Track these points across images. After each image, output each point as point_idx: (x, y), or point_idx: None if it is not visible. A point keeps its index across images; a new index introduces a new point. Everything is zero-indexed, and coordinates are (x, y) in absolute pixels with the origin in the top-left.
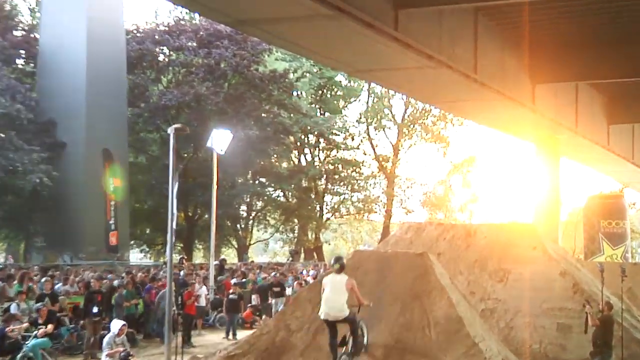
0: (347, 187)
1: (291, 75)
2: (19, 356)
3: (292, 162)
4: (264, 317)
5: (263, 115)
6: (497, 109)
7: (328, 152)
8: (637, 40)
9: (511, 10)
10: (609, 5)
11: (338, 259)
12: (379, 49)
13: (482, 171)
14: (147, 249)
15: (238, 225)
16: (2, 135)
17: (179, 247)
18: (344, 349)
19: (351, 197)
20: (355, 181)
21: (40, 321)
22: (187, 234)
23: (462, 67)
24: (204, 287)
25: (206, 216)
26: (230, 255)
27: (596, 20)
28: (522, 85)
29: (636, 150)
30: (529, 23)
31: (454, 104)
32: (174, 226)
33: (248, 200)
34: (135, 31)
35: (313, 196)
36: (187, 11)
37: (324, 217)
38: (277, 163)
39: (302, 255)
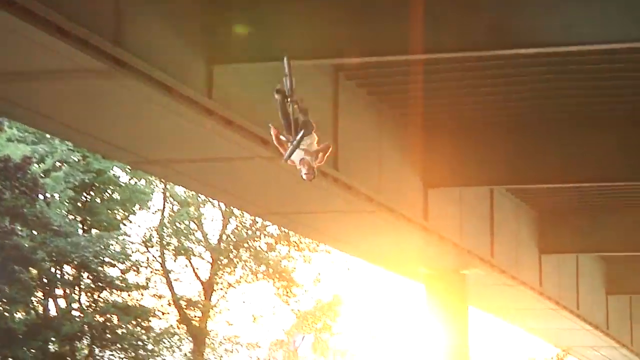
0: (126, 353)
1: (35, 167)
2: None
3: (32, 311)
4: None
5: None
6: (369, 226)
7: (96, 295)
8: (568, 136)
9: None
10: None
11: None
12: None
13: (348, 326)
14: None
15: None
16: None
17: None
18: None
19: None
20: (140, 342)
21: None
22: None
23: None
24: None
25: None
26: None
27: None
28: (410, 189)
29: (582, 295)
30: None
31: (298, 216)
32: None
33: None
34: None
35: None
36: None
37: None
38: (6, 314)
39: None
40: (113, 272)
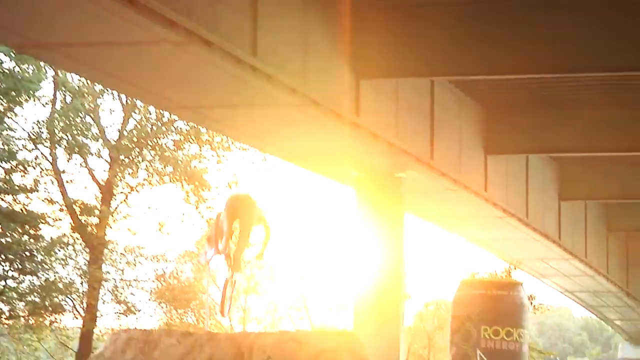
0: (12, 265)
1: None
2: None
3: None
4: None
5: None
6: (293, 122)
7: None
8: (519, 21)
9: None
10: None
11: None
12: None
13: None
14: None
15: None
16: None
17: None
18: None
19: (19, 281)
20: (27, 253)
21: None
22: None
23: (229, 39)
24: None
25: None
26: None
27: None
28: (340, 80)
29: (532, 201)
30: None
31: (210, 110)
32: None
33: None
34: None
35: None
36: None
37: None
38: None
39: None
40: None
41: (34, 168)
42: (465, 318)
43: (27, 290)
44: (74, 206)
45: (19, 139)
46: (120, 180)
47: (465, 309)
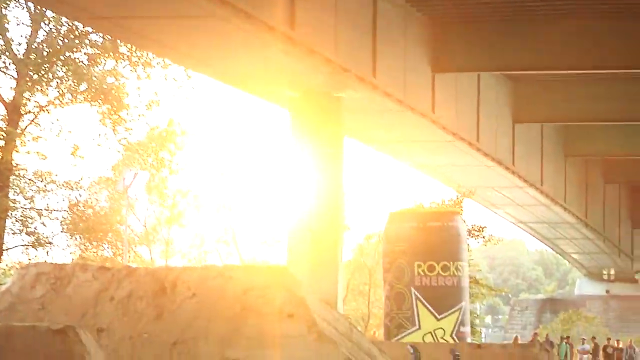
0: None
1: None
2: None
3: None
4: None
5: None
6: (223, 36)
7: None
8: None
9: None
10: None
11: None
12: None
13: (192, 162)
14: None
15: None
16: None
17: None
18: None
19: None
20: None
21: None
22: None
23: None
24: None
25: None
26: None
27: None
28: None
29: (484, 124)
30: None
31: (129, 21)
32: None
33: None
34: None
35: None
36: None
37: None
38: None
39: None
40: None
41: None
42: (397, 254)
43: None
44: None
45: None
46: (29, 98)
47: (396, 244)
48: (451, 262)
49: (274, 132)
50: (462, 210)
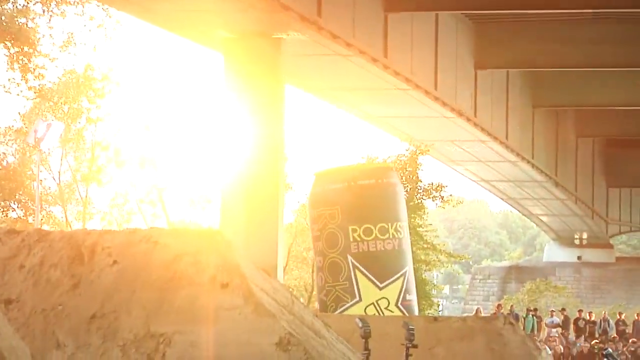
0: None
1: None
2: None
3: None
4: None
5: None
6: None
7: None
8: None
9: None
10: None
11: None
12: None
13: (114, 112)
14: None
15: None
16: None
17: None
18: None
19: None
20: None
21: None
22: None
23: None
24: None
25: None
26: None
27: None
28: None
29: (443, 70)
30: None
31: None
32: None
33: None
34: None
35: None
36: None
37: None
38: None
39: None
40: None
41: None
42: (327, 219)
43: None
44: None
45: None
46: None
47: (325, 208)
48: (389, 224)
49: (207, 79)
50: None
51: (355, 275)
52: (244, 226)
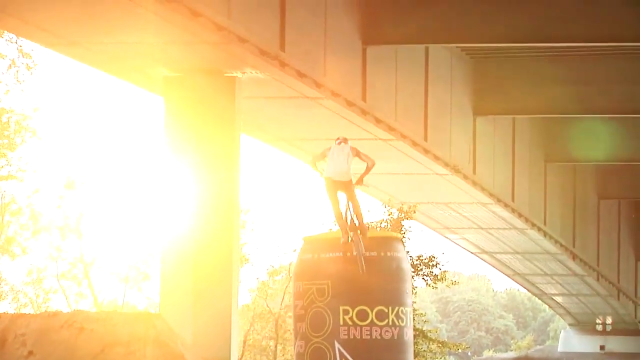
0: None
1: None
2: None
3: None
4: None
5: None
6: None
7: None
8: None
9: None
10: None
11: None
12: None
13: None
14: None
15: None
16: None
17: None
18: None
19: None
20: None
21: None
22: None
23: None
24: None
25: None
26: None
27: None
28: None
29: (435, 112)
30: None
31: None
32: None
33: None
34: None
35: None
36: None
37: None
38: None
39: None
40: None
41: None
42: (315, 296)
43: None
44: None
45: None
46: None
47: (314, 281)
48: (390, 307)
49: (146, 128)
50: (402, 234)
51: None
52: (189, 308)
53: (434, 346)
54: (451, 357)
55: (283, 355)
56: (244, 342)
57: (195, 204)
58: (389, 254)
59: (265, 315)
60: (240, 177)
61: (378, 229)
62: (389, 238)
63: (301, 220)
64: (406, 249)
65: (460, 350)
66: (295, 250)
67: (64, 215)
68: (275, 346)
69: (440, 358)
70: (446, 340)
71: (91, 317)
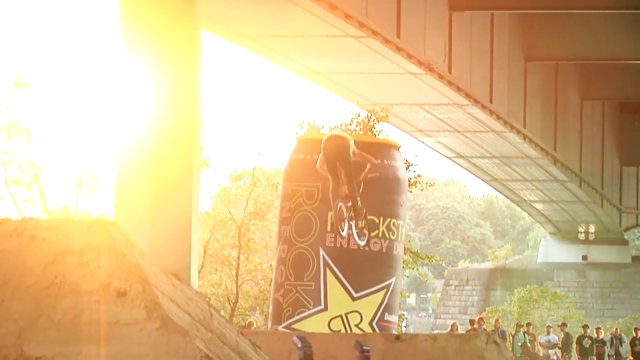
0: None
1: None
2: None
3: None
4: None
5: None
6: None
7: None
8: None
9: None
10: None
11: None
12: None
13: None
14: None
15: None
16: None
17: None
18: None
19: None
20: None
21: None
22: None
23: None
24: None
25: None
26: None
27: None
28: None
29: (405, 12)
30: None
31: None
32: None
33: None
34: None
35: None
36: None
37: None
38: None
39: None
40: None
41: None
42: (303, 198)
43: None
44: None
45: None
46: None
47: (303, 183)
48: (381, 218)
49: (101, 26)
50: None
51: (325, 276)
52: (146, 216)
53: (406, 256)
54: (424, 267)
55: (246, 265)
56: (205, 251)
57: (153, 105)
58: (385, 161)
59: (227, 222)
60: (201, 76)
61: (348, 132)
62: (386, 145)
63: (268, 124)
64: (403, 158)
65: (433, 261)
66: (262, 154)
67: (12, 115)
68: (238, 256)
69: (413, 268)
70: (419, 250)
71: (42, 225)
